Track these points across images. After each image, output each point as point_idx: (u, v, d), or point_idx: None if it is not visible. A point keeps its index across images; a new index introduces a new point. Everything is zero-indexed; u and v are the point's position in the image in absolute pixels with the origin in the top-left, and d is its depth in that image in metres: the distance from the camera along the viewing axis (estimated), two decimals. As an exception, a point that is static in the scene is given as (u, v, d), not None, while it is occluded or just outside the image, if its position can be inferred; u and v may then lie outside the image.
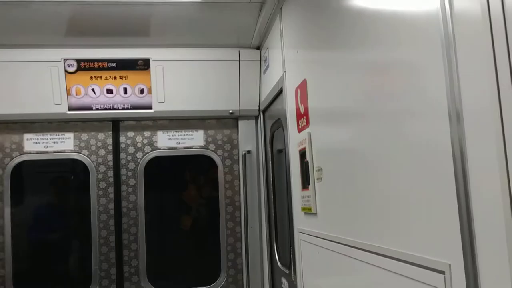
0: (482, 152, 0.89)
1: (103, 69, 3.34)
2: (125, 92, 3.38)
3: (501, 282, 0.83)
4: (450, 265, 0.98)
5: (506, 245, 0.82)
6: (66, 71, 3.30)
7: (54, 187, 3.64)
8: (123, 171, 3.49)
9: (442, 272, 1.00)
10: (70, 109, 3.33)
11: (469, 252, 0.92)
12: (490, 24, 0.85)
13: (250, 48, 3.49)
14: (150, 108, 3.40)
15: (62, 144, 3.45)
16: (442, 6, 1.00)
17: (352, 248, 1.56)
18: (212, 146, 3.59)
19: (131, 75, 3.37)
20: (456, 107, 0.96)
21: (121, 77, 3.36)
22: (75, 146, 3.46)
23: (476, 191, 0.91)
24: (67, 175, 3.69)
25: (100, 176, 3.46)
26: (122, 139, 3.51)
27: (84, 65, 3.32)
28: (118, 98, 3.37)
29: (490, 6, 0.85)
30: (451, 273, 0.98)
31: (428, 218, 1.08)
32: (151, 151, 3.53)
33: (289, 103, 2.48)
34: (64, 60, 3.29)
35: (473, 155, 0.92)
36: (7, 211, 3.35)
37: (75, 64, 3.31)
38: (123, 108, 3.38)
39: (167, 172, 3.70)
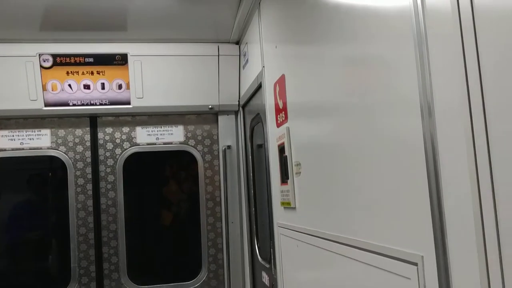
0: (452, 146, 0.91)
1: (80, 64, 3.29)
2: (103, 88, 3.33)
3: (470, 273, 0.86)
4: (422, 257, 1.00)
5: (475, 237, 0.84)
6: (41, 66, 3.23)
7: (30, 184, 3.58)
8: (101, 168, 3.45)
9: (415, 264, 1.02)
10: (46, 105, 3.27)
11: (440, 244, 0.94)
12: (460, 21, 0.87)
13: (229, 43, 3.48)
14: (129, 103, 3.37)
15: (39, 141, 3.39)
16: (414, 3, 1.01)
17: (329, 242, 1.58)
18: (192, 142, 3.58)
19: (109, 70, 3.32)
20: (427, 102, 0.98)
21: (98, 72, 3.32)
22: (52, 142, 3.41)
23: (447, 185, 0.93)
24: (44, 172, 3.63)
25: (78, 173, 3.41)
26: (100, 135, 3.47)
27: (60, 60, 3.26)
28: (95, 93, 3.32)
29: (460, 3, 0.87)
30: (423, 264, 1.00)
31: (402, 211, 1.10)
32: (130, 147, 3.50)
33: (268, 98, 2.48)
34: (39, 55, 3.23)
35: (444, 149, 0.94)
36: (-17, 209, 3.29)
37: (50, 59, 3.25)
38: (100, 104, 3.33)
39: (146, 168, 3.67)
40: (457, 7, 0.87)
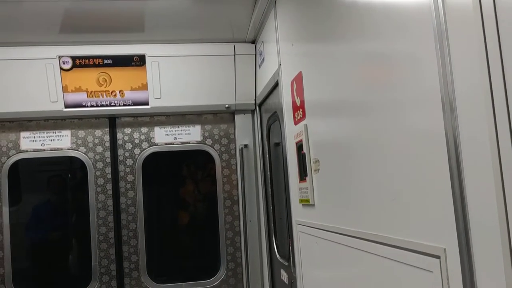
0: (475, 140, 0.91)
1: (99, 65, 3.34)
2: (121, 89, 3.38)
3: (495, 265, 0.86)
4: (445, 249, 1.01)
5: (499, 228, 0.84)
6: (61, 68, 3.30)
7: (52, 184, 3.64)
8: (121, 168, 3.50)
9: (438, 257, 1.02)
10: (66, 107, 3.33)
11: (463, 236, 0.94)
12: (481, 14, 0.87)
13: (245, 42, 3.50)
14: (147, 104, 3.41)
15: (59, 142, 3.46)
16: (434, -3, 1.01)
17: (350, 237, 1.58)
18: (209, 141, 3.61)
19: (127, 71, 3.37)
20: (449, 97, 0.98)
21: (116, 74, 3.36)
22: (72, 143, 3.47)
23: (469, 178, 0.93)
24: (64, 172, 3.70)
25: (98, 173, 3.47)
26: (119, 135, 3.52)
27: (79, 62, 3.32)
28: (114, 94, 3.37)
29: (481, -4, 0.87)
30: (446, 257, 1.00)
31: (424, 205, 1.10)
32: (148, 147, 3.54)
33: (285, 96, 2.49)
34: (59, 57, 3.29)
35: (466, 143, 0.94)
36: (5, 210, 3.36)
37: (70, 61, 3.31)
38: (119, 105, 3.38)
39: (165, 167, 3.71)
40: (478, 1, 0.87)
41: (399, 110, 1.21)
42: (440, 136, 1.01)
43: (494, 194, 0.85)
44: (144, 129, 3.54)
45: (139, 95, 3.39)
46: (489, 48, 0.86)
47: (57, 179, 3.69)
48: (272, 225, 3.21)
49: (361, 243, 1.47)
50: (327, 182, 1.88)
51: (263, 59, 3.20)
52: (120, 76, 3.36)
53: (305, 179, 2.12)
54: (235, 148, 3.62)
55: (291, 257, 2.56)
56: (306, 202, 2.15)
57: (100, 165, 3.48)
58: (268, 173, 3.24)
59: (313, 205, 2.06)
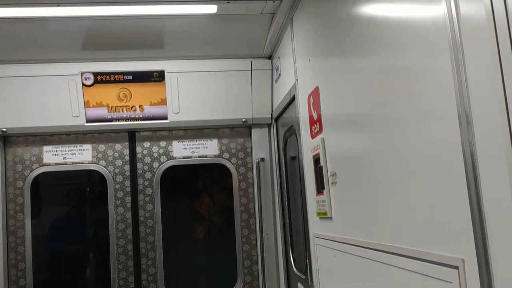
0: (491, 151, 0.93)
1: (119, 81, 3.42)
2: (141, 104, 3.45)
3: (513, 275, 0.87)
4: (463, 260, 1.02)
5: (517, 238, 0.85)
6: (83, 84, 3.39)
7: (72, 197, 3.72)
8: (140, 181, 3.56)
9: (456, 267, 1.04)
10: (87, 121, 3.42)
11: (481, 247, 0.95)
12: (495, 27, 0.90)
13: (261, 57, 3.56)
14: (166, 118, 3.48)
15: (80, 156, 3.54)
16: (449, 12, 1.04)
17: (368, 250, 1.60)
18: (226, 155, 3.65)
19: (147, 86, 3.45)
20: (465, 111, 1.00)
21: (136, 89, 3.44)
22: (92, 157, 3.54)
23: (486, 189, 0.95)
24: (85, 185, 3.77)
25: (117, 186, 3.53)
26: (138, 149, 3.59)
27: (101, 78, 3.41)
28: (134, 109, 3.45)
29: (494, 10, 0.90)
30: (464, 267, 1.01)
31: (441, 216, 1.12)
32: (167, 160, 3.60)
33: (302, 110, 2.53)
34: (81, 73, 3.39)
35: (483, 155, 0.96)
36: (28, 222, 3.44)
37: (92, 77, 3.40)
38: (139, 119, 3.46)
39: (183, 181, 3.76)
40: (492, 15, 0.90)
41: (416, 124, 1.24)
42: (457, 148, 1.03)
43: (511, 205, 0.87)
44: (162, 143, 3.61)
45: (158, 110, 3.47)
46: (503, 61, 0.88)
47: (78, 192, 3.76)
48: (289, 238, 3.22)
49: (379, 255, 1.49)
50: (345, 195, 1.90)
51: (279, 74, 3.24)
52: (140, 92, 3.44)
53: (322, 192, 2.14)
54: (251, 161, 3.66)
55: (308, 270, 2.56)
56: (323, 215, 2.17)
57: (119, 178, 3.54)
58: (285, 186, 3.26)
59: (331, 217, 2.07)
